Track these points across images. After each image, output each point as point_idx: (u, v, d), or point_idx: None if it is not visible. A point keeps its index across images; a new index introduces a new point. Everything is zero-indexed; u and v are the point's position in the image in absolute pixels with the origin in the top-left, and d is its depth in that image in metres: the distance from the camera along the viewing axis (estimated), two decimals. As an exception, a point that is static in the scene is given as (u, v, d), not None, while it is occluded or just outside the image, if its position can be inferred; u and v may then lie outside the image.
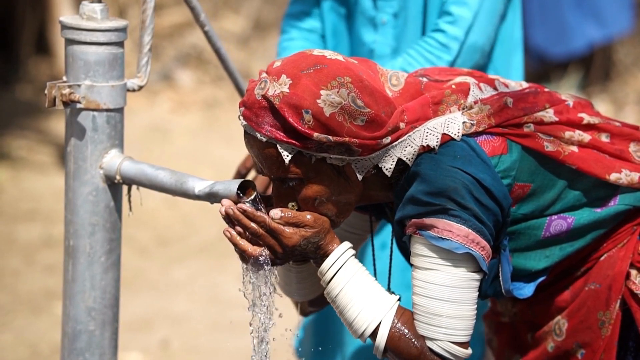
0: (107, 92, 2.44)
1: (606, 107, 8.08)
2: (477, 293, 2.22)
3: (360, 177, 2.21)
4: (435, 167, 2.18)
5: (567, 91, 7.32)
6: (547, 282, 2.39)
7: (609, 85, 8.46)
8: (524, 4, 3.06)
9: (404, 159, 2.21)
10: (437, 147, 2.21)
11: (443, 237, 2.16)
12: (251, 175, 2.95)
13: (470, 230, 2.17)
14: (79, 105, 2.43)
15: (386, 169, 2.21)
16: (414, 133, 2.21)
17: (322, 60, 2.19)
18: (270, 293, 2.26)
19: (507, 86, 2.36)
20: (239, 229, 2.21)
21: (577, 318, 2.37)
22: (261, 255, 2.21)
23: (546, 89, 2.39)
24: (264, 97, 2.16)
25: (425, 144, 2.21)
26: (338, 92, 2.15)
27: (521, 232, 2.31)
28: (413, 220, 2.20)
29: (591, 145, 2.32)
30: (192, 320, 4.99)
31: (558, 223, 2.32)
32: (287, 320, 2.46)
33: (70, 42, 2.43)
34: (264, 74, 2.21)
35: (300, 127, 2.13)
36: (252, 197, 2.24)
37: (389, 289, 2.36)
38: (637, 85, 8.52)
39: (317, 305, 2.48)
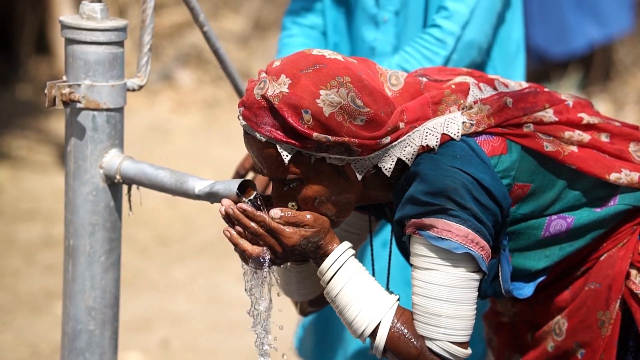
0: (107, 91, 2.44)
1: (606, 106, 8.08)
2: (477, 293, 2.22)
3: (359, 177, 2.21)
4: (434, 167, 2.18)
5: (567, 91, 7.32)
6: (547, 282, 2.39)
7: (609, 85, 8.46)
8: (524, 4, 3.07)
9: (404, 159, 2.21)
10: (436, 147, 2.21)
11: (442, 237, 2.16)
12: (250, 176, 2.95)
13: (470, 230, 2.17)
14: (79, 105, 2.43)
15: (386, 169, 2.21)
16: (413, 133, 2.21)
17: (321, 60, 2.19)
18: (270, 292, 2.26)
19: (506, 86, 2.36)
20: (238, 228, 2.21)
21: (577, 318, 2.37)
22: (261, 255, 2.21)
23: (546, 89, 2.39)
24: (264, 97, 2.16)
25: (424, 144, 2.21)
26: (337, 91, 2.15)
27: (521, 232, 2.31)
28: (412, 220, 2.20)
29: (591, 145, 2.32)
30: (192, 320, 4.99)
31: (558, 223, 2.32)
32: (288, 319, 2.46)
33: (70, 41, 2.43)
34: (264, 74, 2.21)
35: (299, 127, 2.13)
36: (252, 196, 2.24)
37: (387, 287, 2.37)
38: (637, 85, 8.52)
39: (317, 305, 2.48)
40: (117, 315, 2.54)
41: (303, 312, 2.53)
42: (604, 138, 2.36)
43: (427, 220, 2.18)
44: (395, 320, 2.21)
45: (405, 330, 2.21)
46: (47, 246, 5.71)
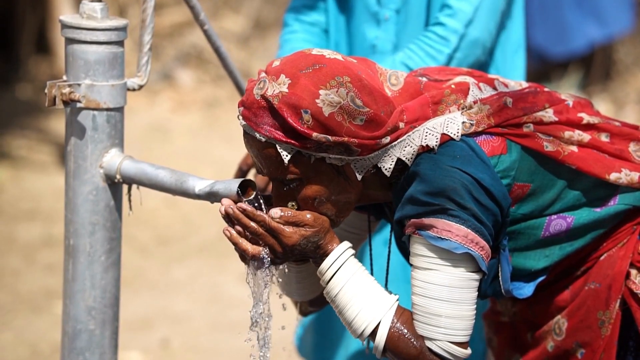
0: (107, 91, 2.44)
1: (606, 106, 8.08)
2: (477, 293, 2.22)
3: (359, 177, 2.21)
4: (434, 167, 2.18)
5: (567, 91, 7.31)
6: (547, 282, 2.39)
7: (610, 84, 8.46)
8: (525, 4, 3.07)
9: (403, 158, 2.21)
10: (436, 147, 2.21)
11: (442, 237, 2.16)
12: (252, 173, 2.95)
13: (470, 230, 2.16)
14: (79, 105, 2.43)
15: (385, 169, 2.21)
16: (413, 133, 2.21)
17: (321, 59, 2.19)
18: (269, 292, 2.26)
19: (506, 86, 2.36)
20: (238, 228, 2.21)
21: (577, 317, 2.37)
22: (261, 255, 2.21)
23: (546, 89, 2.39)
24: (263, 97, 2.16)
25: (424, 144, 2.21)
26: (337, 91, 2.15)
27: (521, 231, 2.31)
28: (412, 220, 2.20)
29: (591, 145, 2.32)
30: (192, 320, 4.99)
31: (558, 223, 2.32)
32: (288, 318, 2.46)
33: (70, 41, 2.43)
34: (263, 74, 2.21)
35: (299, 127, 2.13)
36: (252, 196, 2.24)
37: (386, 286, 2.36)
38: (637, 84, 8.52)
39: (317, 305, 2.48)
40: (117, 314, 2.54)
41: (303, 312, 2.53)
42: (604, 138, 2.36)
43: (426, 220, 2.17)
44: (395, 320, 2.21)
45: (405, 330, 2.21)
46: (47, 246, 5.71)
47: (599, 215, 2.33)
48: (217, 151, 7.42)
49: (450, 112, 2.24)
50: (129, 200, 2.53)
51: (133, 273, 5.40)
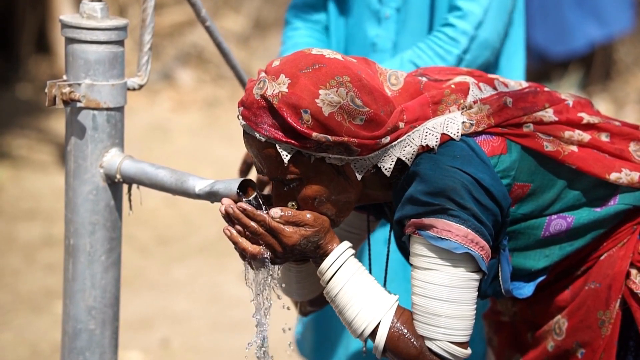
0: (107, 91, 2.44)
1: (607, 106, 8.08)
2: (477, 293, 2.22)
3: (359, 177, 2.21)
4: (434, 167, 2.18)
5: (567, 90, 7.31)
6: (547, 282, 2.39)
7: (610, 84, 8.46)
8: (525, 4, 3.08)
9: (403, 158, 2.21)
10: (436, 147, 2.21)
11: (442, 237, 2.16)
12: None
13: (470, 230, 2.16)
14: (79, 104, 2.43)
15: (385, 169, 2.21)
16: (413, 133, 2.21)
17: (320, 59, 2.19)
18: (269, 292, 2.26)
19: (506, 86, 2.35)
20: (239, 227, 2.21)
21: (577, 317, 2.37)
22: (261, 254, 2.21)
23: (546, 89, 2.39)
24: (263, 96, 2.16)
25: (424, 144, 2.21)
26: (337, 91, 2.15)
27: (521, 231, 2.31)
28: (412, 220, 2.20)
29: (591, 145, 2.32)
30: (193, 320, 4.99)
31: (558, 223, 2.31)
32: (288, 318, 2.46)
33: (70, 40, 2.43)
34: (263, 74, 2.21)
35: (299, 127, 2.13)
36: (253, 196, 2.24)
37: (385, 285, 2.36)
38: (637, 84, 8.52)
39: (317, 305, 2.48)
40: (117, 314, 2.54)
41: (303, 312, 2.52)
42: (604, 138, 2.36)
43: (426, 220, 2.17)
44: (395, 320, 2.21)
45: (405, 330, 2.21)
46: (48, 245, 5.71)
47: (599, 215, 2.32)
48: (217, 151, 7.42)
49: (450, 112, 2.24)
50: (129, 200, 2.53)
51: (133, 273, 5.40)
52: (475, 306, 2.21)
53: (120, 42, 2.45)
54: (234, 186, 2.24)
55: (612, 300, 2.33)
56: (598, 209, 2.33)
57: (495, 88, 2.32)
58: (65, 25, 2.43)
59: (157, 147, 7.36)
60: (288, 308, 2.38)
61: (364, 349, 2.28)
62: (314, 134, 2.13)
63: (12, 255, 5.59)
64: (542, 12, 7.83)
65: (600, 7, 7.93)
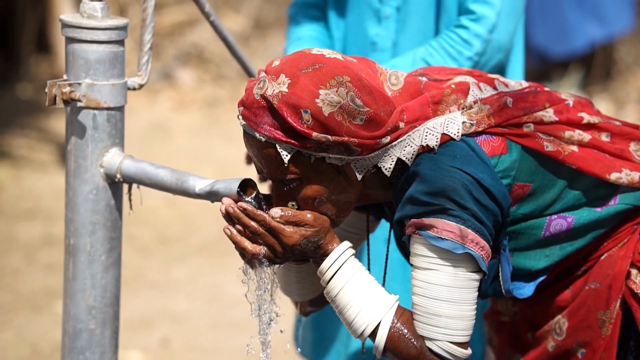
0: (107, 90, 2.43)
1: (607, 106, 8.08)
2: (477, 293, 2.21)
3: (359, 177, 2.21)
4: (434, 167, 2.18)
5: (567, 90, 7.31)
6: (548, 282, 2.39)
7: (610, 84, 8.46)
8: (525, 4, 3.10)
9: (404, 158, 2.21)
10: (436, 147, 2.21)
11: (442, 237, 2.16)
12: None
13: (470, 230, 2.16)
14: (79, 104, 2.43)
15: (385, 169, 2.21)
16: (413, 133, 2.21)
17: (320, 59, 2.19)
18: (269, 291, 2.25)
19: (506, 86, 2.35)
20: (239, 227, 2.21)
21: (578, 317, 2.37)
22: (261, 254, 2.21)
23: (546, 88, 2.39)
24: (263, 96, 2.16)
25: (424, 144, 2.21)
26: (337, 91, 2.14)
27: (521, 231, 2.31)
28: (412, 220, 2.19)
29: (591, 145, 2.32)
30: (193, 319, 4.99)
31: (558, 222, 2.31)
32: (287, 317, 2.46)
33: (70, 40, 2.43)
34: (263, 74, 2.21)
35: (299, 127, 2.13)
36: (253, 195, 2.24)
37: (384, 284, 2.36)
38: (638, 84, 8.52)
39: (317, 305, 2.48)
40: (117, 314, 2.54)
41: (303, 312, 2.52)
42: (604, 137, 2.36)
43: (427, 220, 2.17)
44: (395, 320, 2.21)
45: (405, 330, 2.20)
46: (48, 245, 5.71)
47: (599, 215, 2.32)
48: (217, 150, 7.42)
49: (450, 112, 2.24)
50: (130, 200, 2.53)
51: (133, 272, 5.40)
52: (475, 306, 2.21)
53: (120, 42, 2.45)
54: (234, 186, 2.24)
55: (613, 300, 2.33)
56: (598, 209, 2.33)
57: (495, 88, 2.32)
58: (65, 25, 2.43)
59: (157, 147, 7.36)
60: (278, 315, 2.38)
61: (363, 349, 2.28)
62: (314, 133, 2.13)
63: (12, 254, 5.59)
64: (542, 12, 7.83)
65: (601, 6, 7.93)
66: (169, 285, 5.36)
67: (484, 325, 2.64)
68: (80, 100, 2.42)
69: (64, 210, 2.50)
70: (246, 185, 2.25)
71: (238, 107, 2.21)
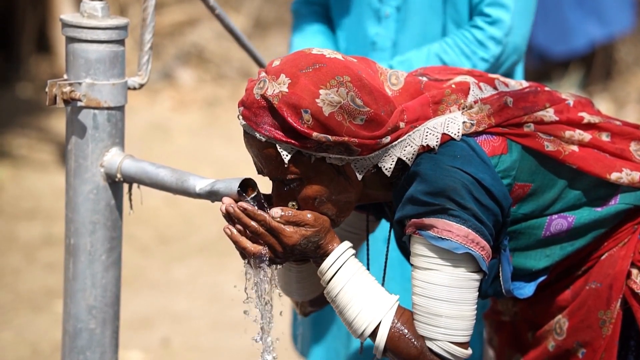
0: (107, 90, 2.43)
1: (607, 105, 8.08)
2: (477, 293, 2.21)
3: (359, 177, 2.21)
4: (434, 167, 2.18)
5: (568, 90, 7.32)
6: (548, 282, 2.39)
7: (610, 84, 8.46)
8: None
9: (404, 158, 2.21)
10: (436, 147, 2.21)
11: (443, 237, 2.16)
12: None
13: (470, 230, 2.16)
14: (79, 104, 2.43)
15: (386, 169, 2.21)
16: (413, 133, 2.21)
17: (321, 59, 2.19)
18: (270, 291, 2.25)
19: (507, 85, 2.35)
20: (239, 227, 2.21)
21: (578, 317, 2.37)
22: (261, 254, 2.20)
23: (546, 88, 2.39)
24: (263, 96, 2.16)
25: (425, 144, 2.21)
26: (337, 91, 2.14)
27: (521, 231, 2.31)
28: (412, 220, 2.19)
29: (592, 145, 2.32)
30: (193, 319, 4.99)
31: (558, 222, 2.31)
32: (286, 316, 2.46)
33: (71, 40, 2.43)
34: (263, 74, 2.21)
35: (299, 127, 2.13)
36: (253, 195, 2.24)
37: (383, 283, 2.36)
38: (638, 84, 8.52)
39: (318, 305, 2.48)
40: (117, 313, 2.54)
41: (303, 312, 2.52)
42: (604, 137, 2.36)
43: (427, 220, 2.17)
44: (396, 320, 2.21)
45: (406, 330, 2.20)
46: (48, 245, 5.71)
47: (599, 215, 2.32)
48: (217, 150, 7.42)
49: (450, 111, 2.24)
50: (130, 199, 2.53)
51: (134, 272, 5.40)
52: (475, 306, 2.21)
53: (120, 42, 2.45)
54: (234, 185, 2.24)
55: (613, 300, 2.33)
56: (599, 209, 2.32)
57: (495, 88, 2.32)
58: (65, 25, 2.43)
59: (157, 147, 7.36)
60: (281, 313, 2.38)
61: (361, 349, 2.28)
62: (314, 133, 2.13)
63: (12, 254, 5.59)
64: (543, 11, 7.82)
65: (601, 6, 7.93)
66: (169, 285, 5.36)
67: (484, 325, 2.64)
68: (80, 100, 2.42)
69: (64, 209, 2.50)
70: (246, 185, 2.25)
71: (238, 107, 2.21)
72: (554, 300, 2.40)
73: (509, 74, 3.02)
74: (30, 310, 4.97)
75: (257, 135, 2.16)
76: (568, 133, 2.30)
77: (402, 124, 2.20)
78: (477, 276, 2.20)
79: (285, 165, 2.17)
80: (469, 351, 2.21)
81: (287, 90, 2.14)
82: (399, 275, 2.99)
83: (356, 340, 3.15)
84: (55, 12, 7.90)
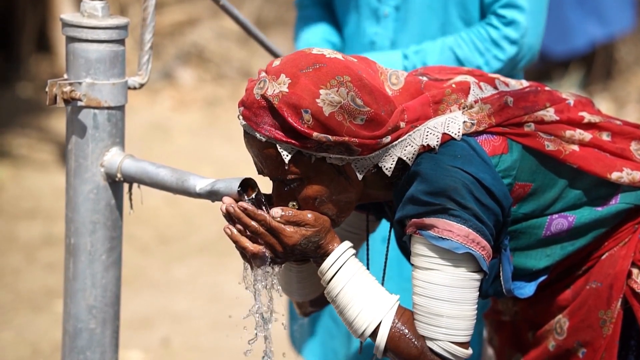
0: (108, 90, 2.43)
1: (608, 105, 8.08)
2: (478, 293, 2.21)
3: (360, 177, 2.20)
4: (435, 166, 2.18)
5: (568, 90, 7.31)
6: (548, 281, 2.39)
7: (611, 83, 8.46)
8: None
9: (404, 158, 2.21)
10: (437, 147, 2.21)
11: (443, 237, 2.16)
12: None
13: (471, 230, 2.16)
14: (79, 103, 2.43)
15: (386, 169, 2.21)
16: (414, 132, 2.21)
17: (321, 59, 2.19)
18: (270, 291, 2.25)
19: (507, 85, 2.35)
20: (239, 227, 2.21)
21: (578, 317, 2.37)
22: (261, 254, 2.20)
23: (547, 88, 2.39)
24: (263, 96, 2.15)
25: (425, 144, 2.21)
26: (337, 91, 2.14)
27: (522, 231, 2.30)
28: (413, 220, 2.19)
29: (592, 144, 2.32)
30: (193, 319, 4.99)
31: (559, 222, 2.31)
32: (284, 318, 2.46)
33: (71, 39, 2.43)
34: (263, 73, 2.21)
35: (299, 127, 2.13)
36: (253, 195, 2.23)
37: (382, 283, 2.36)
38: (638, 83, 8.52)
39: (318, 305, 2.48)
40: (118, 313, 2.54)
41: (304, 312, 2.52)
42: (605, 137, 2.36)
43: (427, 220, 2.17)
44: (396, 320, 2.21)
45: (406, 330, 2.20)
46: (48, 244, 5.71)
47: (600, 215, 2.32)
48: (217, 150, 7.42)
49: (451, 111, 2.24)
50: (130, 199, 2.53)
51: (134, 272, 5.40)
52: (476, 306, 2.21)
53: (121, 41, 2.45)
54: (234, 185, 2.24)
55: (614, 300, 2.33)
56: (599, 208, 2.32)
57: (496, 87, 2.32)
58: (66, 24, 2.43)
59: (157, 146, 7.36)
60: (282, 314, 2.38)
61: (360, 349, 2.28)
62: (315, 133, 2.13)
63: (12, 254, 5.59)
64: (543, 11, 7.82)
65: (601, 6, 7.93)
66: (169, 285, 5.36)
67: (485, 324, 2.64)
68: (80, 100, 2.42)
69: (65, 209, 2.50)
70: (247, 185, 2.25)
71: (238, 107, 2.21)
72: (554, 299, 2.40)
73: (511, 73, 3.02)
74: (30, 310, 4.97)
75: (258, 135, 2.16)
76: (568, 132, 2.30)
77: (402, 124, 2.20)
78: (477, 276, 2.20)
79: (286, 166, 2.17)
80: (470, 351, 2.21)
81: (287, 90, 2.14)
82: (396, 275, 2.99)
83: (356, 340, 3.15)
84: (55, 12, 7.90)
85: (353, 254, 2.24)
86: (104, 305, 2.50)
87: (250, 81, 2.21)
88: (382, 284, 2.35)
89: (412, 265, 2.22)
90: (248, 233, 2.21)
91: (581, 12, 7.92)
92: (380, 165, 2.21)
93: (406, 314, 2.22)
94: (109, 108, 2.44)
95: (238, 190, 2.23)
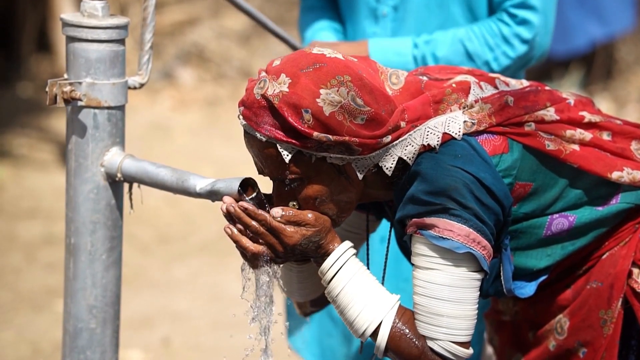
0: (108, 89, 2.43)
1: (608, 105, 8.08)
2: (478, 293, 2.21)
3: (360, 177, 2.20)
4: (435, 166, 2.18)
5: (568, 89, 7.31)
6: (549, 281, 2.39)
7: (611, 83, 8.46)
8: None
9: (405, 158, 2.21)
10: (437, 146, 2.21)
11: (444, 236, 2.16)
12: None
13: (471, 230, 2.16)
14: (80, 103, 2.43)
15: (387, 168, 2.21)
16: (414, 132, 2.21)
17: (321, 58, 2.19)
18: (270, 290, 2.25)
19: (507, 85, 2.35)
20: (240, 226, 2.21)
21: (579, 316, 2.37)
22: (262, 254, 2.20)
23: (547, 87, 2.39)
24: (263, 96, 2.15)
25: (426, 143, 2.21)
26: (338, 90, 2.14)
27: (522, 231, 2.30)
28: (414, 219, 2.19)
29: (592, 144, 2.32)
30: (193, 318, 4.99)
31: (559, 222, 2.31)
32: (283, 315, 2.46)
33: (71, 39, 2.43)
34: (263, 73, 2.21)
35: (299, 127, 2.12)
36: (254, 195, 2.23)
37: (382, 283, 2.36)
38: (638, 83, 8.52)
39: (319, 305, 2.48)
40: (118, 313, 2.54)
41: (304, 312, 2.52)
42: (605, 136, 2.36)
43: (428, 220, 2.17)
44: (397, 320, 2.20)
45: (407, 330, 2.20)
46: (48, 244, 5.71)
47: (600, 214, 2.32)
48: (217, 150, 7.42)
49: (451, 111, 2.24)
50: (130, 199, 2.53)
51: (134, 272, 5.40)
52: (477, 306, 2.21)
53: (121, 41, 2.45)
54: (235, 185, 2.24)
55: (614, 300, 2.33)
56: (600, 208, 2.32)
57: (496, 87, 2.32)
58: (66, 24, 2.43)
59: (157, 146, 7.36)
60: (280, 314, 2.38)
61: (361, 349, 2.28)
62: (315, 133, 2.13)
63: (12, 254, 5.59)
64: (543, 11, 7.82)
65: (602, 6, 7.93)
66: (170, 285, 5.36)
67: (485, 324, 2.64)
68: (80, 100, 2.42)
69: (65, 209, 2.50)
70: (247, 185, 2.25)
71: (238, 106, 2.21)
72: (554, 299, 2.40)
73: (514, 72, 3.02)
74: (30, 309, 4.97)
75: (258, 135, 2.16)
76: (569, 132, 2.30)
77: (402, 124, 2.19)
78: (478, 275, 2.20)
79: (286, 165, 2.16)
80: (470, 351, 2.21)
81: (287, 90, 2.14)
82: (393, 275, 2.99)
83: (355, 339, 3.15)
84: (55, 12, 7.90)
85: (354, 254, 2.24)
86: (104, 305, 2.50)
87: (251, 81, 2.21)
88: (382, 284, 2.35)
89: (413, 265, 2.22)
90: (248, 233, 2.21)
91: (581, 11, 7.92)
92: (380, 164, 2.21)
93: (407, 314, 2.22)
94: (109, 108, 2.44)
95: (238, 190, 2.23)
